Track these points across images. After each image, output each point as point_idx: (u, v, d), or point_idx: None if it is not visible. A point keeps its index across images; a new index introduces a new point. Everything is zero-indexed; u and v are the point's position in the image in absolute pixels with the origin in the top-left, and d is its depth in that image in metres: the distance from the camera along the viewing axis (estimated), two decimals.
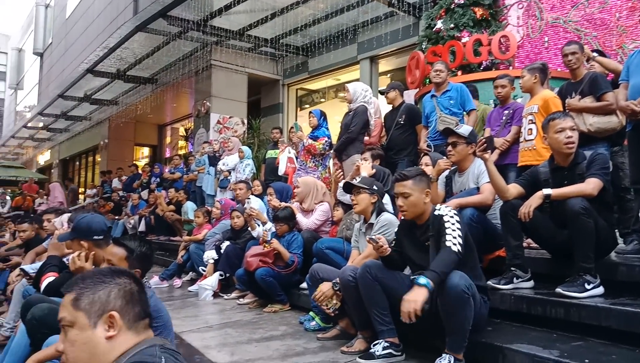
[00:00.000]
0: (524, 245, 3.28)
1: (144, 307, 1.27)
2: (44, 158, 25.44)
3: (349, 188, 3.61)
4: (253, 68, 11.70)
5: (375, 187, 3.53)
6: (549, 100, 3.98)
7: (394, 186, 4.17)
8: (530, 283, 3.07)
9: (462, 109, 5.01)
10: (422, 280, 2.39)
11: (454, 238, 2.52)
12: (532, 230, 3.11)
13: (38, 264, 3.70)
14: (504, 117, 4.56)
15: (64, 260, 3.40)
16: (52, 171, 23.43)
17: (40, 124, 19.28)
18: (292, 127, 7.29)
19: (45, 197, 15.16)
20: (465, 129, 3.58)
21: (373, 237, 2.89)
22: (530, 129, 4.05)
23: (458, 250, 2.49)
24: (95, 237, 2.66)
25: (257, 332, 3.69)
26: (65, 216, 4.90)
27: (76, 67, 13.37)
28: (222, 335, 3.66)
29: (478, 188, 3.40)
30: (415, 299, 2.36)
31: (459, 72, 6.29)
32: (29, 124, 19.52)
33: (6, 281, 5.57)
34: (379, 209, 3.50)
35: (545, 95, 4.05)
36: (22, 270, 3.89)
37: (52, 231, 4.73)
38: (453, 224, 2.58)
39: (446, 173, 3.76)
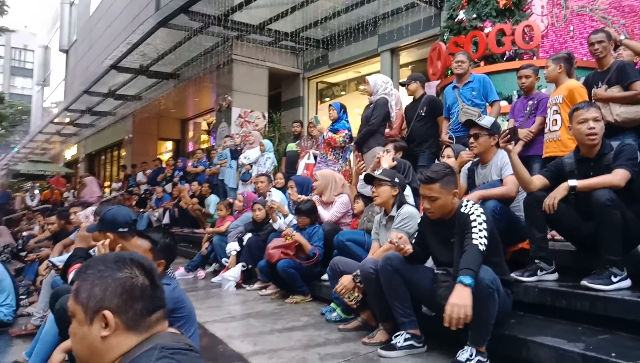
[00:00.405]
0: (548, 237, 3.23)
1: (151, 302, 1.14)
2: (70, 152, 25.97)
3: (370, 179, 3.60)
4: (273, 62, 11.73)
5: (396, 179, 3.50)
6: (574, 90, 3.91)
7: (415, 178, 4.19)
8: (555, 276, 3.03)
9: (485, 101, 4.95)
10: (468, 279, 2.29)
11: (480, 238, 2.48)
12: (557, 222, 3.06)
13: (66, 256, 3.80)
14: (528, 108, 4.49)
15: (91, 251, 3.49)
16: (79, 165, 23.91)
17: (67, 120, 19.66)
18: (311, 121, 7.29)
19: (72, 191, 15.52)
20: (487, 120, 3.54)
21: (395, 240, 2.82)
22: (555, 119, 3.98)
23: (483, 249, 2.45)
24: (121, 229, 2.71)
25: (279, 322, 3.73)
26: (90, 209, 5.02)
27: (100, 63, 13.58)
28: (244, 325, 3.71)
29: (501, 180, 3.36)
30: (465, 303, 2.24)
31: (482, 63, 6.20)
32: (56, 120, 19.90)
33: (36, 272, 5.75)
34: (400, 201, 3.47)
35: (571, 85, 3.97)
36: (50, 262, 4.00)
37: (78, 224, 4.85)
38: (480, 223, 2.53)
39: (468, 164, 3.73)
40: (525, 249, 3.25)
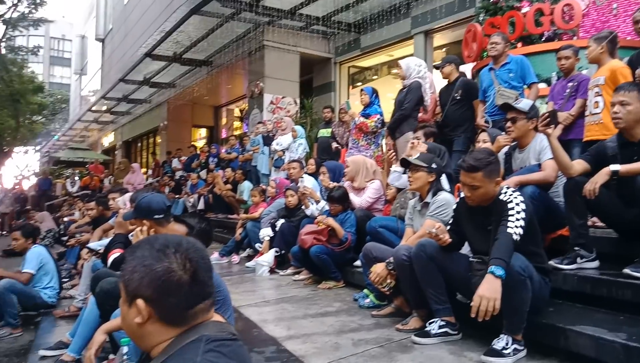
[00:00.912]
0: (589, 223, 3.13)
1: (187, 298, 1.09)
2: (108, 140, 26.65)
3: (406, 164, 3.54)
4: (305, 47, 11.67)
5: (433, 165, 3.42)
6: (616, 70, 3.75)
7: (449, 163, 4.12)
8: (595, 264, 2.94)
9: (523, 83, 4.80)
10: (499, 270, 2.24)
11: (516, 227, 2.41)
12: (598, 208, 2.96)
13: (105, 240, 3.92)
14: (567, 90, 4.34)
15: (129, 236, 3.59)
16: (116, 152, 24.53)
17: (104, 108, 20.14)
18: (343, 106, 7.25)
19: (110, 177, 15.93)
20: (525, 103, 3.44)
21: (432, 230, 2.75)
22: (597, 102, 3.84)
23: (517, 239, 2.39)
24: (156, 216, 2.76)
25: (312, 307, 3.76)
26: (127, 195, 5.13)
27: (135, 52, 13.83)
28: (278, 309, 3.76)
29: (539, 165, 3.27)
30: (494, 296, 2.21)
31: (519, 44, 6.00)
32: (93, 108, 20.42)
33: (77, 256, 5.95)
34: (436, 188, 3.40)
35: (613, 65, 3.81)
36: (88, 247, 4.13)
37: (116, 210, 4.98)
38: (518, 212, 2.46)
39: (505, 149, 3.64)
40: (564, 236, 3.16)
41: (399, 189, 4.38)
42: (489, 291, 2.23)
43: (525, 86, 4.81)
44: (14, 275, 4.41)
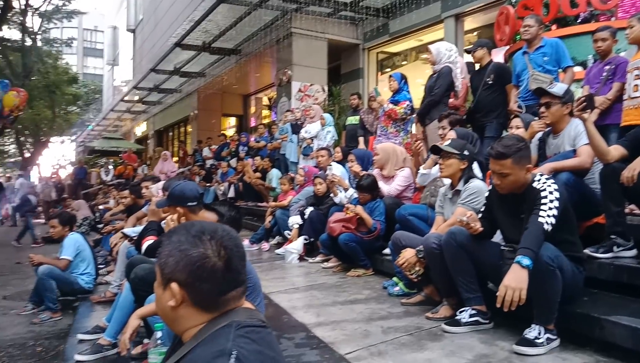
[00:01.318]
0: (626, 211, 3.03)
1: (220, 285, 1.11)
2: (140, 129, 27.17)
3: (437, 151, 3.48)
4: (333, 34, 11.59)
5: (465, 152, 3.33)
6: None
7: (481, 150, 4.04)
8: (632, 252, 2.85)
9: (558, 67, 4.65)
10: (526, 260, 2.21)
11: (548, 216, 2.35)
12: (636, 195, 2.87)
13: (139, 228, 4.02)
14: (604, 74, 4.19)
15: (162, 224, 3.67)
16: (148, 141, 25.01)
17: (136, 98, 20.51)
18: (371, 93, 7.18)
19: (144, 166, 16.25)
20: (559, 87, 3.34)
21: (464, 218, 2.72)
22: (637, 85, 3.69)
23: (548, 229, 2.33)
24: (190, 204, 2.80)
25: (341, 295, 3.78)
26: (160, 183, 5.23)
27: (165, 42, 14.00)
28: (307, 296, 3.79)
29: (574, 151, 3.17)
30: (520, 286, 2.18)
31: (554, 27, 5.82)
32: (126, 98, 20.83)
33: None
34: (468, 175, 3.33)
35: None
36: (123, 233, 4.24)
37: (149, 198, 5.09)
38: (552, 200, 2.40)
39: (539, 135, 3.54)
40: (600, 224, 3.07)
41: None
42: (514, 282, 2.21)
43: (560, 70, 4.66)
44: (53, 262, 4.57)
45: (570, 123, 3.26)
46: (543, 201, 2.41)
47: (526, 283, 2.20)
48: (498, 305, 2.23)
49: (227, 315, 1.13)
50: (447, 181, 3.55)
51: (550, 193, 2.43)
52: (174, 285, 1.10)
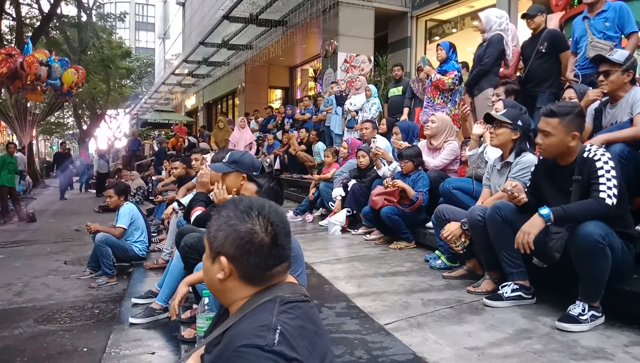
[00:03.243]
0: None
1: (266, 259, 1.15)
2: (190, 102, 27.78)
3: (490, 120, 3.31)
4: (380, 2, 11.32)
5: (519, 122, 3.17)
6: None
7: (530, 122, 3.88)
8: None
9: (621, 32, 4.36)
10: (544, 210, 2.34)
11: (609, 188, 2.27)
12: None
13: (189, 196, 4.16)
14: None
15: (210, 195, 3.78)
16: (198, 114, 25.56)
17: (186, 71, 20.91)
18: (419, 63, 7.01)
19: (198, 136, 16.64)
20: (620, 54, 3.15)
21: (508, 188, 2.65)
22: None
23: (612, 203, 2.25)
24: (255, 173, 2.89)
25: (382, 266, 3.80)
26: (209, 155, 5.36)
27: (214, 15, 14.10)
28: (349, 267, 3.84)
29: (631, 120, 3.00)
30: (529, 230, 2.36)
31: None
32: (176, 71, 21.25)
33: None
34: (521, 148, 3.17)
35: None
36: (177, 201, 4.40)
37: (199, 169, 5.23)
38: (608, 170, 2.31)
39: (596, 104, 3.37)
40: None
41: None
42: (527, 226, 2.39)
43: (623, 36, 4.38)
44: (109, 230, 4.82)
45: (630, 92, 3.08)
46: (600, 171, 2.33)
47: (537, 228, 2.35)
48: (515, 247, 2.44)
49: (271, 289, 1.17)
50: (497, 153, 3.43)
51: (605, 162, 2.34)
52: (223, 259, 1.15)
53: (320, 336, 1.16)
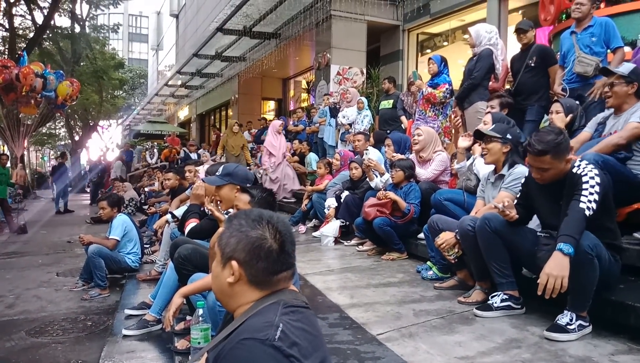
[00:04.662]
0: None
1: (274, 264, 1.23)
2: (183, 113, 27.79)
3: (479, 136, 3.41)
4: (372, 15, 11.44)
5: (508, 136, 3.26)
6: None
7: (520, 134, 3.95)
8: None
9: (607, 47, 4.47)
10: (568, 248, 2.21)
11: (589, 201, 2.32)
12: None
13: (183, 208, 4.19)
14: None
15: (203, 208, 3.81)
16: (191, 125, 25.56)
17: (179, 82, 20.96)
18: (410, 77, 7.10)
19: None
20: (626, 67, 3.25)
21: (499, 205, 2.71)
22: None
23: (589, 214, 2.30)
24: (248, 184, 2.94)
25: (375, 277, 3.84)
26: (203, 167, 5.39)
27: (207, 27, 14.21)
28: (342, 278, 3.87)
29: None
30: (562, 274, 2.18)
31: (602, 4, 5.57)
32: (169, 83, 21.30)
33: None
34: (513, 160, 3.25)
35: None
36: (171, 213, 4.42)
37: (193, 181, 5.26)
38: (593, 186, 2.36)
39: (602, 116, 3.45)
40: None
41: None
42: (556, 269, 2.20)
43: (609, 51, 4.48)
44: (102, 241, 4.81)
45: (635, 105, 3.16)
46: (584, 185, 2.38)
47: (568, 270, 2.19)
48: (539, 293, 2.23)
49: (275, 294, 1.25)
50: (486, 167, 3.50)
51: (592, 177, 2.39)
52: (234, 263, 1.23)
53: (321, 341, 1.24)
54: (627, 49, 4.81)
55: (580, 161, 2.55)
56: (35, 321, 3.97)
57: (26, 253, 7.38)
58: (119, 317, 3.66)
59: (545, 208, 2.72)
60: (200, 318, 2.17)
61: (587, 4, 4.49)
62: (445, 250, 3.22)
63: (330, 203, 5.70)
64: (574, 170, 2.49)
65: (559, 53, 4.92)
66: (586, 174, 2.41)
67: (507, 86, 5.62)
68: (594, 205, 2.32)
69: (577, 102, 3.92)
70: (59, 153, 20.56)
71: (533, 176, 2.66)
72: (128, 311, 3.68)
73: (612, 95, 3.21)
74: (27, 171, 24.06)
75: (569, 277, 2.21)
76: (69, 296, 4.66)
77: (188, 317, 3.03)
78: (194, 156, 13.31)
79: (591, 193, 2.35)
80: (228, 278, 1.24)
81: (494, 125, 3.43)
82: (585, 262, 2.28)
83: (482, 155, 3.49)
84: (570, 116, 3.73)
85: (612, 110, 3.39)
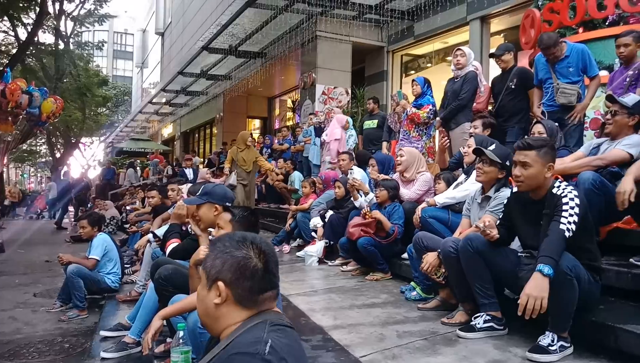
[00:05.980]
0: None
1: (260, 283, 1.27)
2: (167, 131, 27.68)
3: (478, 153, 3.35)
4: (357, 37, 11.63)
5: (508, 163, 3.23)
6: None
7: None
8: None
9: (584, 75, 4.58)
10: (548, 269, 2.23)
11: (569, 223, 2.35)
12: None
13: (165, 227, 4.14)
14: (627, 79, 4.13)
15: (184, 228, 3.78)
16: (175, 143, 25.45)
17: (163, 100, 20.91)
18: (394, 96, 7.17)
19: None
20: (631, 98, 3.33)
21: (480, 225, 2.74)
22: None
23: (568, 235, 2.33)
24: (228, 203, 2.93)
25: (359, 298, 3.82)
26: (185, 186, 5.35)
27: (193, 45, 14.27)
28: (326, 299, 3.84)
29: None
30: (541, 295, 2.19)
31: (580, 30, 5.73)
32: (154, 100, 21.24)
33: None
34: (501, 184, 3.28)
35: None
36: (153, 233, 4.36)
37: (175, 200, 5.21)
38: (572, 207, 2.39)
39: (600, 140, 3.52)
40: (620, 228, 3.05)
41: (449, 183, 4.33)
42: (536, 290, 2.22)
43: (586, 77, 4.60)
44: (81, 261, 4.72)
45: (630, 137, 3.23)
46: (564, 206, 2.40)
47: (547, 292, 2.21)
48: (519, 314, 2.24)
49: (260, 315, 1.27)
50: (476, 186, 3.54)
51: (571, 199, 2.42)
52: (220, 284, 1.25)
53: (306, 360, 1.27)
54: (603, 72, 4.95)
55: (560, 181, 2.60)
56: (10, 343, 3.85)
57: (3, 272, 7.19)
58: (97, 339, 3.57)
59: (525, 228, 2.75)
60: (181, 341, 2.13)
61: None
62: (432, 273, 3.22)
63: (316, 222, 5.68)
64: (554, 191, 2.52)
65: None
66: (566, 196, 2.44)
67: (490, 107, 5.71)
68: (573, 226, 2.35)
69: (557, 124, 3.99)
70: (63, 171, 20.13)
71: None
72: (104, 333, 3.59)
73: (612, 123, 3.29)
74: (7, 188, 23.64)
75: (549, 298, 2.23)
76: (46, 318, 4.54)
77: (168, 339, 2.98)
78: (188, 171, 13.09)
79: (571, 214, 2.37)
80: (215, 300, 1.25)
81: (494, 146, 3.35)
82: (565, 283, 2.30)
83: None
84: (551, 137, 3.80)
85: (603, 137, 3.48)
